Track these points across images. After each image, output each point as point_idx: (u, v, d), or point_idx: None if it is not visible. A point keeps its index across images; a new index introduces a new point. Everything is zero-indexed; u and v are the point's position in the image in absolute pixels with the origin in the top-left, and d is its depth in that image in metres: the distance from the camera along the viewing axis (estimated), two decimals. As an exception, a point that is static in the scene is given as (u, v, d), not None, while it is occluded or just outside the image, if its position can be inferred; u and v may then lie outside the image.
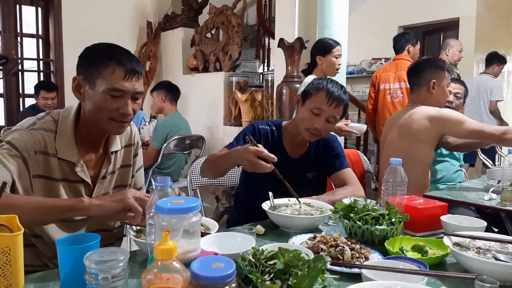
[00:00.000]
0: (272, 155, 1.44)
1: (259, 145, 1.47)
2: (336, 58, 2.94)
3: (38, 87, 4.28)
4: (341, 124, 2.79)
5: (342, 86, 1.79)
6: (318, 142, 1.90)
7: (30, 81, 5.09)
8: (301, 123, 1.78)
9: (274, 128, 1.89)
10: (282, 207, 1.56)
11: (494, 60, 4.93)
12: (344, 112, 1.81)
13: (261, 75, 5.02)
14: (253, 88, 4.57)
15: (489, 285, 0.91)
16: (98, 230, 1.39)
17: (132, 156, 1.49)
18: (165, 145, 3.42)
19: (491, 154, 4.23)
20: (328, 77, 1.99)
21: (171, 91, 3.79)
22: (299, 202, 1.56)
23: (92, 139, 1.35)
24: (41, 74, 5.33)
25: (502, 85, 5.14)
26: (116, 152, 1.41)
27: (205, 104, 5.02)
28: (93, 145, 1.35)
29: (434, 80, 2.31)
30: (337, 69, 2.99)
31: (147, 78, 5.50)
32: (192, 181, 2.14)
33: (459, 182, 2.65)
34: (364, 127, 2.92)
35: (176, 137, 3.47)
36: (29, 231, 1.28)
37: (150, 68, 5.57)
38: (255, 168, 1.44)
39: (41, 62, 5.29)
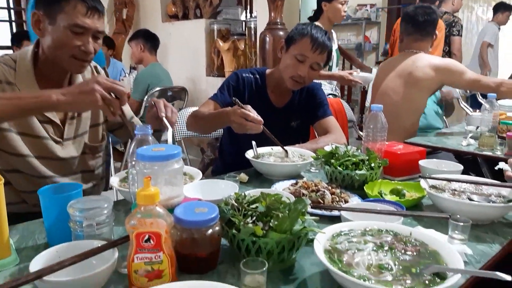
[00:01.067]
0: (259, 118, 1.43)
1: (247, 106, 1.45)
2: (342, 4, 2.86)
3: (19, 37, 4.01)
4: (344, 73, 2.78)
5: (326, 32, 1.76)
6: (302, 91, 1.89)
7: (1, 32, 4.84)
8: (285, 71, 1.75)
9: (258, 76, 1.87)
10: (265, 155, 1.57)
11: (500, 8, 4.98)
12: (328, 59, 1.79)
13: (243, 23, 4.87)
14: (235, 37, 4.44)
15: (462, 223, 0.96)
16: (81, 171, 1.39)
17: None
18: (146, 97, 3.36)
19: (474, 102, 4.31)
20: (312, 22, 1.94)
21: (150, 40, 3.65)
22: (286, 152, 1.56)
23: (53, 78, 1.32)
24: (13, 24, 5.05)
25: (497, 31, 5.15)
26: None
27: (186, 54, 4.88)
28: (55, 85, 1.31)
29: (437, 32, 2.35)
30: (343, 16, 2.93)
31: (125, 27, 5.28)
32: (176, 133, 2.13)
33: (439, 129, 2.70)
34: (370, 77, 2.89)
35: (157, 88, 3.41)
36: (4, 166, 1.28)
37: (127, 16, 5.33)
38: (244, 130, 1.44)
39: (12, 12, 5.01)
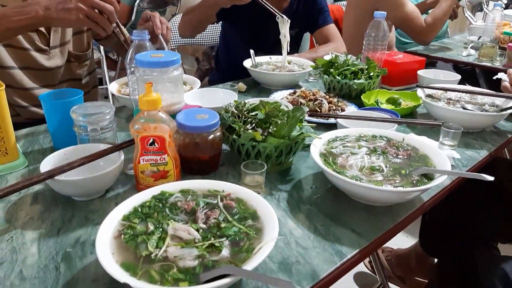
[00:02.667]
0: None
1: None
2: None
3: None
4: None
5: None
6: None
7: None
8: None
9: None
10: (264, 64, 1.56)
11: None
12: None
13: None
14: None
15: (453, 130, 1.00)
16: (68, 79, 1.39)
17: None
18: (137, 1, 3.19)
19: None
20: None
21: None
22: (282, 16, 1.48)
23: None
24: None
25: None
26: None
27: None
28: None
29: None
30: None
31: None
32: (170, 41, 2.07)
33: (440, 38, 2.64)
34: None
35: (149, -8, 3.22)
36: None
37: None
38: (233, 0, 1.37)
39: None
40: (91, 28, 1.04)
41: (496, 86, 1.32)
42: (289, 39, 1.49)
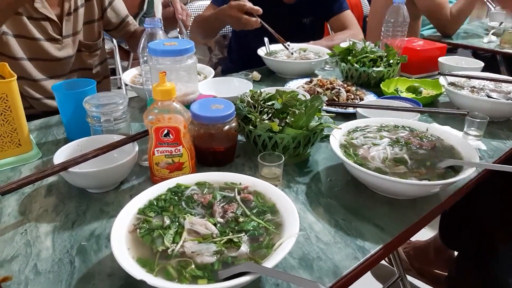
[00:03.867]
0: (256, 8, 1.35)
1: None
2: None
3: None
4: None
5: None
6: None
7: None
8: None
9: None
10: (279, 52, 1.52)
11: None
12: None
13: None
14: None
15: (479, 120, 0.95)
16: (79, 69, 1.37)
17: None
18: (150, -9, 3.17)
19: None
20: None
21: None
22: (287, 48, 1.50)
23: None
24: None
25: None
26: None
27: None
28: None
29: None
30: None
31: None
32: (188, 27, 2.04)
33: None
34: None
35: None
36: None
37: None
38: (241, 25, 1.38)
39: None
40: None
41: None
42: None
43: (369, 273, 1.72)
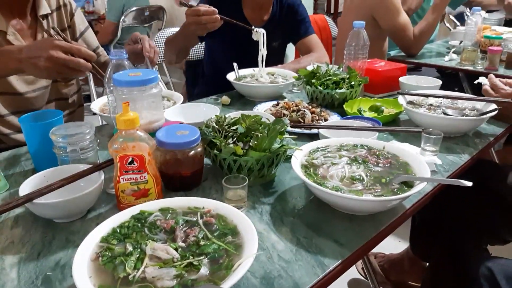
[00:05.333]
0: (211, 8, 1.39)
1: (193, 4, 1.43)
2: None
3: None
4: None
5: None
6: (282, 7, 1.82)
7: None
8: None
9: None
10: (248, 77, 1.57)
11: None
12: None
13: None
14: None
15: (434, 136, 1.01)
16: (55, 99, 1.39)
17: (68, 19, 1.40)
18: (122, 18, 3.21)
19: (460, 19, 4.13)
20: None
21: (122, -44, 3.38)
22: (254, 30, 1.50)
23: (14, 2, 1.23)
24: None
25: None
26: (46, 16, 1.32)
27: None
28: (18, 10, 1.25)
29: None
30: None
31: None
32: (156, 64, 2.08)
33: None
34: None
35: (133, 8, 3.24)
36: None
37: None
38: (203, 26, 1.40)
39: None
40: (68, 75, 1.06)
41: (479, 89, 1.34)
42: (265, 52, 1.51)
43: (346, 287, 1.74)
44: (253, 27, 1.51)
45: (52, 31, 1.20)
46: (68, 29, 1.40)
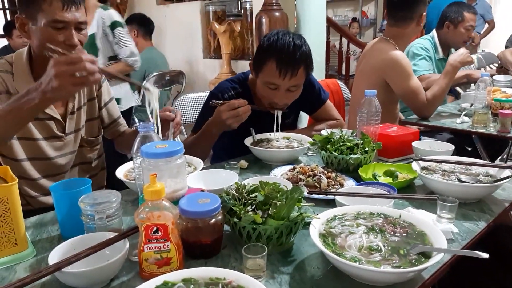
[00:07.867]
0: (242, 100, 1.48)
1: (225, 102, 1.51)
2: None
3: (9, 26, 4.02)
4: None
5: (297, 38, 1.54)
6: None
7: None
8: (262, 98, 1.65)
9: (240, 90, 1.71)
10: (264, 141, 1.63)
11: None
12: (308, 67, 1.57)
13: (239, 3, 4.84)
14: (231, 18, 4.43)
15: (449, 204, 1.02)
16: (79, 163, 1.47)
17: (96, 89, 1.51)
18: (144, 83, 3.38)
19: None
20: (280, 31, 1.59)
21: (144, 25, 3.64)
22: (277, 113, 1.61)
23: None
24: (7, 12, 5.02)
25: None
26: None
27: (182, 37, 4.86)
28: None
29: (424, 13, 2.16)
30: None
31: (119, 10, 5.24)
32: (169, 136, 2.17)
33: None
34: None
35: (154, 73, 3.43)
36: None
37: (122, 0, 5.30)
38: (239, 119, 1.46)
39: (5, 0, 4.98)
40: (82, 85, 1.10)
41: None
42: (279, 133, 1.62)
43: None
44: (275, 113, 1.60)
45: None
46: (96, 98, 1.50)
